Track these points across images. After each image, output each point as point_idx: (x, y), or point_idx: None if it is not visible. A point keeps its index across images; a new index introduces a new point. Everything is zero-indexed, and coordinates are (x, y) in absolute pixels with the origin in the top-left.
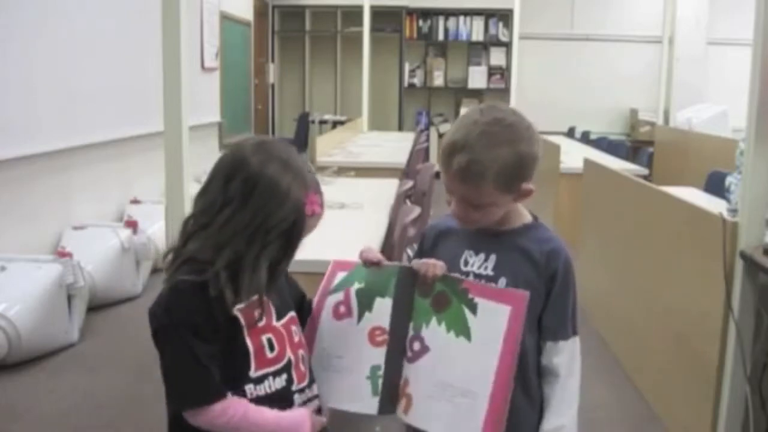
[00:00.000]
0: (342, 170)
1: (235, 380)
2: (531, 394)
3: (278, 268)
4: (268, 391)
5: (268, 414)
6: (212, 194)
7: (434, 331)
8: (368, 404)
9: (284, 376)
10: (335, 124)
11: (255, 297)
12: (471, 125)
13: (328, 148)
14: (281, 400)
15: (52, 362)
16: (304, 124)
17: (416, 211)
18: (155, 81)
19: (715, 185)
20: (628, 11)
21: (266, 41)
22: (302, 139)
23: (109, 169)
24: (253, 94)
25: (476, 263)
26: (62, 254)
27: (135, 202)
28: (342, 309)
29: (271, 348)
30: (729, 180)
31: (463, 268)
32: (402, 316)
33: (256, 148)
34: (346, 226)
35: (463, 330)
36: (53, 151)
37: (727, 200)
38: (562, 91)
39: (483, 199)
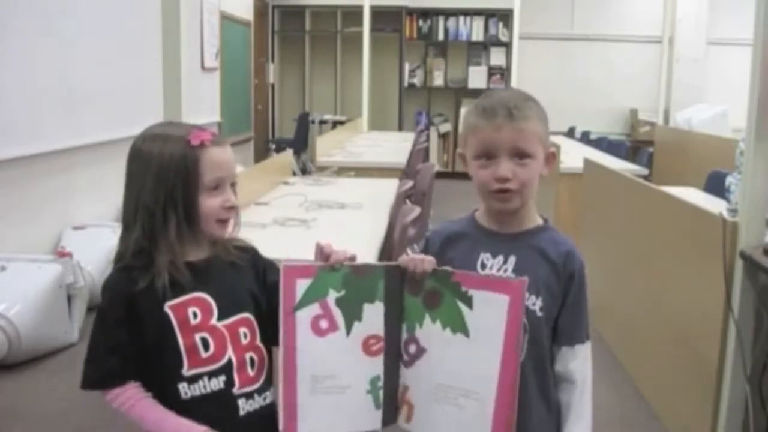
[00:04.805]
0: (342, 170)
1: (169, 377)
2: (550, 401)
3: (192, 217)
4: (204, 391)
5: (155, 413)
6: (126, 197)
7: (429, 331)
8: (372, 420)
9: (222, 378)
10: (335, 124)
11: (189, 295)
12: (500, 90)
13: (328, 148)
14: (221, 402)
15: (52, 362)
16: (304, 124)
17: (416, 211)
18: (155, 81)
19: (715, 185)
20: (628, 11)
21: (266, 41)
22: (302, 139)
23: (109, 169)
24: (253, 94)
25: (495, 266)
26: (62, 254)
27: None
28: (324, 324)
29: (206, 347)
30: (729, 180)
31: (481, 271)
32: (394, 319)
33: (135, 141)
34: (346, 226)
35: (459, 326)
36: (53, 151)
37: (727, 200)
38: (562, 91)
39: (529, 144)
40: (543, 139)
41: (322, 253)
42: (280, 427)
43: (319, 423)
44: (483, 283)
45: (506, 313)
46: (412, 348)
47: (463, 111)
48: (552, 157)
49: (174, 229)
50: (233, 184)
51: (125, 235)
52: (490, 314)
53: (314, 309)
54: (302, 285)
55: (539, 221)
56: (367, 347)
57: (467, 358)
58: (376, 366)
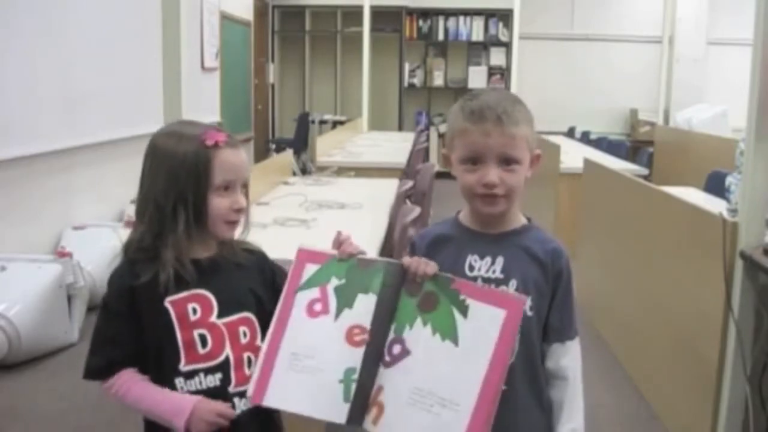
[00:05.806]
0: (342, 170)
1: (166, 371)
2: (542, 400)
3: (201, 216)
4: (200, 387)
5: (151, 393)
6: (140, 190)
7: (418, 333)
8: (337, 412)
9: (218, 375)
10: (335, 124)
11: (190, 291)
12: (487, 91)
13: (328, 148)
14: (216, 399)
15: (52, 362)
16: (304, 124)
17: (416, 211)
18: (155, 81)
19: (715, 185)
20: (628, 11)
21: (266, 41)
22: (302, 139)
23: (109, 169)
24: (253, 94)
25: (483, 267)
26: (62, 254)
27: (135, 202)
28: (318, 307)
29: (204, 344)
30: (729, 180)
31: (469, 274)
32: (384, 315)
33: (153, 137)
34: (346, 227)
35: (450, 333)
36: (53, 151)
37: (727, 200)
38: (562, 91)
39: (518, 150)
40: (530, 143)
41: (337, 241)
42: (248, 392)
43: (285, 397)
44: (482, 294)
45: (500, 328)
46: (397, 349)
47: None
48: (537, 159)
49: (182, 227)
50: (245, 186)
51: (137, 225)
52: (484, 326)
53: (314, 293)
54: (310, 269)
55: (523, 220)
56: (350, 336)
57: (452, 367)
58: (355, 358)
